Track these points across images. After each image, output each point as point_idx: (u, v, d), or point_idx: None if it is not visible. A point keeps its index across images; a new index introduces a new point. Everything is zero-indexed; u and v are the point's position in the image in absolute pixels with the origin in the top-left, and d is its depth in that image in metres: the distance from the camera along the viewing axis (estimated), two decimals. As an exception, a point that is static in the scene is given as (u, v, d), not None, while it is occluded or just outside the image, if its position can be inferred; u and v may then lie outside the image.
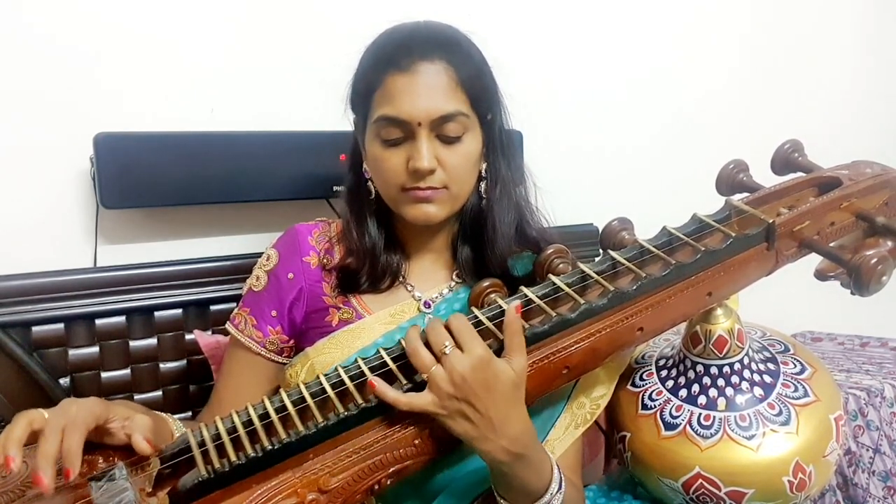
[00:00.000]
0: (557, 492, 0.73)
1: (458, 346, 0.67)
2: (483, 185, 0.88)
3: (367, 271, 0.88)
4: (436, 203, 0.83)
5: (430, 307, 0.89)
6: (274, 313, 0.90)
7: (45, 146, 1.09)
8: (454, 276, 0.92)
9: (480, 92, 0.83)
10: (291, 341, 0.91)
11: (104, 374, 1.10)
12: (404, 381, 0.69)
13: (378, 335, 0.86)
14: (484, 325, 0.74)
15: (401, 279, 0.91)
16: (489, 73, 0.86)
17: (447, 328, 0.68)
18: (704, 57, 1.72)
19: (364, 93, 0.84)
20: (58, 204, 1.12)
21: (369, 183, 0.89)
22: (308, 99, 1.21)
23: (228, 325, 0.92)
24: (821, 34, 1.88)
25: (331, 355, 0.86)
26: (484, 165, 0.88)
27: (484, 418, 0.66)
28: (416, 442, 0.68)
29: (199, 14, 1.18)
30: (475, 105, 0.82)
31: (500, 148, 0.89)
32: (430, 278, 0.92)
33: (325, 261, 0.91)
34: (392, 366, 0.70)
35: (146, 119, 1.14)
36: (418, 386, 0.68)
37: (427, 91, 0.79)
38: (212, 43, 1.19)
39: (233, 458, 0.63)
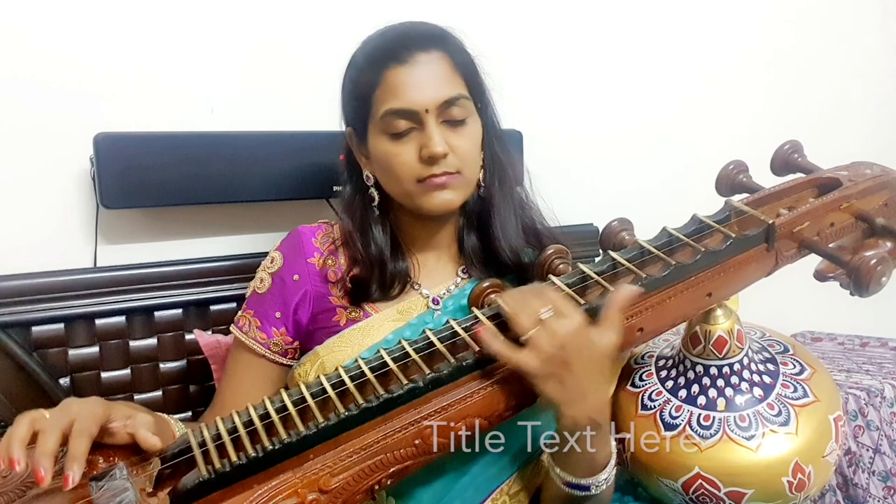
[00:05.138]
0: (612, 468, 0.75)
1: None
2: (482, 173, 0.89)
3: (376, 280, 0.89)
4: (452, 189, 0.84)
5: (438, 304, 0.90)
6: (278, 315, 0.90)
7: (46, 146, 1.09)
8: (459, 272, 0.93)
9: (474, 79, 0.87)
10: (296, 343, 0.91)
11: (104, 375, 1.10)
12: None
13: (388, 332, 0.87)
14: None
15: (408, 280, 0.91)
16: (477, 65, 0.89)
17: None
18: (704, 57, 1.72)
19: (363, 95, 0.84)
20: (58, 204, 1.12)
21: (371, 190, 0.89)
22: (308, 99, 1.20)
23: (233, 328, 0.92)
24: (820, 35, 1.88)
25: (341, 353, 0.86)
26: (482, 155, 0.89)
27: (576, 383, 0.67)
28: (417, 442, 0.68)
29: (199, 14, 1.18)
30: (472, 91, 0.85)
31: (495, 135, 0.91)
32: (436, 275, 0.93)
33: (329, 262, 0.91)
34: (393, 366, 0.70)
35: (146, 119, 1.14)
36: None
37: (430, 78, 0.81)
38: (211, 43, 1.19)
39: (233, 458, 0.63)
